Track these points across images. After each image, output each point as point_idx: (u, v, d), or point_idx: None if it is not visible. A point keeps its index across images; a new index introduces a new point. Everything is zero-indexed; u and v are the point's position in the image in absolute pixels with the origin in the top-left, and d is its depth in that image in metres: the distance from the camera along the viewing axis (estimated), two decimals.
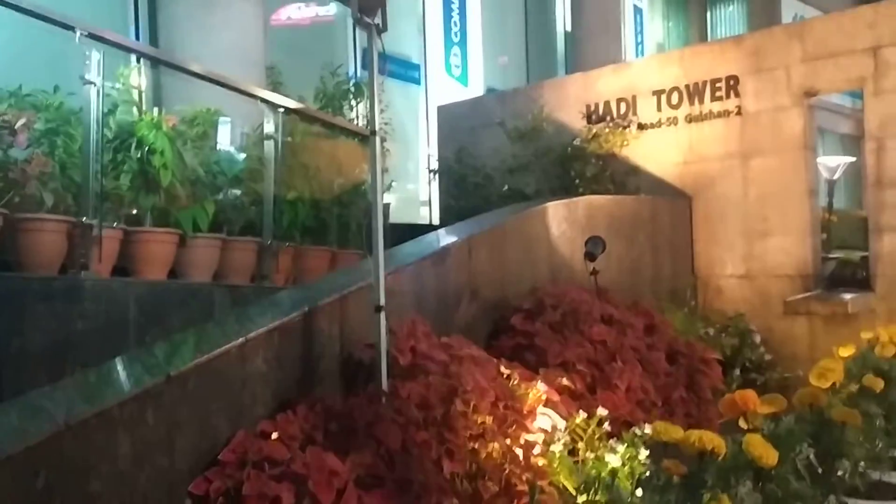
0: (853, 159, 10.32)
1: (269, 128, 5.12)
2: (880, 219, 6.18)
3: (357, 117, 6.70)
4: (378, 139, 3.09)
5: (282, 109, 5.21)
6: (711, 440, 1.40)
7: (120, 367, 2.38)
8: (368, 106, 3.19)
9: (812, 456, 1.73)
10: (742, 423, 1.79)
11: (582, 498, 1.19)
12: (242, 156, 5.56)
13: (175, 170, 4.32)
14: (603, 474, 1.21)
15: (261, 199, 5.04)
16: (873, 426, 2.42)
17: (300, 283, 5.00)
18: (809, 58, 6.55)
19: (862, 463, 2.05)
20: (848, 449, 2.01)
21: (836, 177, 10.48)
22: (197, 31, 6.88)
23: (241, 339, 2.48)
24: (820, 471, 1.89)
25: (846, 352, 2.86)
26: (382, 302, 2.94)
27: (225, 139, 5.55)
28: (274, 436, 2.45)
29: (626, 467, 1.94)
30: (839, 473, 2.01)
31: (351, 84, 6.67)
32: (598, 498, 1.18)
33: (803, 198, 6.59)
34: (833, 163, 10.41)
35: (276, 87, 6.42)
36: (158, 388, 2.13)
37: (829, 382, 2.18)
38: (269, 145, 5.08)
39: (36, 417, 2.00)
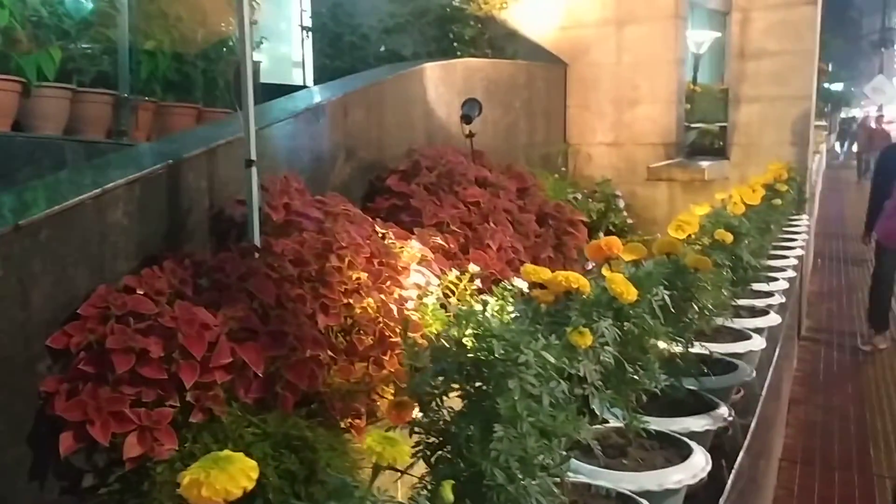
0: (719, 34, 10.65)
1: None
2: (739, 90, 6.47)
3: None
4: None
5: None
6: (577, 279, 1.46)
7: None
8: None
9: (667, 298, 1.84)
10: (605, 272, 1.86)
11: (452, 332, 1.22)
12: None
13: (13, 8, 3.86)
14: (473, 309, 1.24)
15: (115, 48, 4.63)
16: (721, 276, 2.60)
17: None
18: None
19: (709, 307, 2.21)
20: (698, 294, 2.15)
21: (702, 51, 10.82)
22: None
23: (97, 190, 2.32)
24: (672, 312, 2.01)
25: (702, 210, 3.03)
26: (253, 156, 2.83)
27: None
28: (140, 291, 2.36)
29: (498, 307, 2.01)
30: (689, 317, 2.16)
31: None
32: (467, 331, 1.21)
33: (671, 67, 6.78)
34: (700, 37, 10.71)
35: None
36: (7, 238, 1.97)
37: (686, 234, 2.31)
38: None
39: None
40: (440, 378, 1.21)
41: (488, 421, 1.17)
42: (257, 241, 2.83)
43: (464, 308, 1.34)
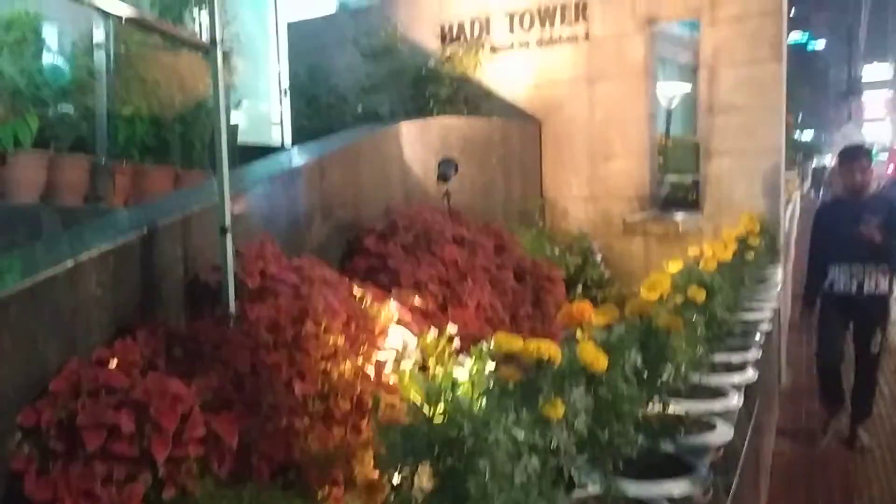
0: (689, 87, 10.92)
1: (99, 36, 4.70)
2: (710, 143, 6.61)
3: (201, 29, 6.28)
4: (219, 50, 2.91)
5: (113, 15, 4.79)
6: (548, 349, 1.47)
7: None
8: (209, 11, 2.97)
9: (640, 361, 1.85)
10: (578, 334, 1.87)
11: (426, 409, 1.22)
12: (70, 66, 5.09)
13: None
14: (444, 385, 1.24)
15: (93, 114, 4.66)
16: (695, 333, 2.62)
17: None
18: None
19: (683, 367, 2.22)
20: (672, 354, 2.16)
21: (673, 105, 11.08)
22: None
23: (70, 263, 2.31)
24: (646, 375, 2.02)
25: (675, 266, 3.07)
26: (228, 223, 2.84)
27: (51, 47, 5.05)
28: (112, 363, 2.33)
29: (471, 379, 2.00)
30: (663, 378, 2.16)
31: None
32: (440, 408, 1.21)
33: (643, 123, 6.92)
34: (671, 91, 10.98)
35: None
36: None
37: (658, 294, 2.33)
38: (100, 55, 4.67)
39: None
40: (411, 457, 1.20)
41: (460, 500, 1.16)
42: (232, 307, 2.81)
43: (437, 380, 1.34)
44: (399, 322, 3.41)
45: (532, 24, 7.36)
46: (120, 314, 2.56)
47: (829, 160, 31.33)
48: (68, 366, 2.22)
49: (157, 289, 2.80)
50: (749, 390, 2.97)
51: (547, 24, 7.27)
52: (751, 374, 2.97)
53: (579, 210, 7.21)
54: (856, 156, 5.37)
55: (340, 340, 2.91)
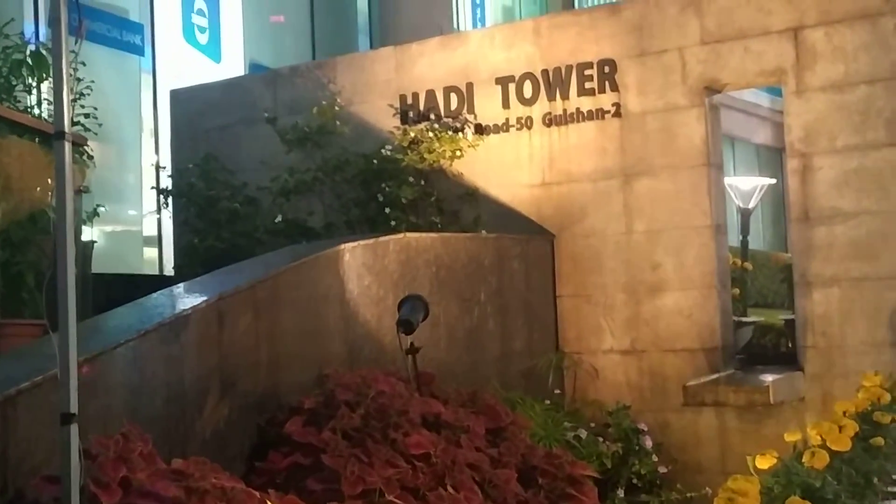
0: (773, 181, 11.22)
1: None
2: (808, 267, 6.73)
3: (40, 104, 6.42)
4: (68, 145, 2.97)
5: None
6: None
7: None
8: (55, 89, 3.05)
9: None
10: None
11: None
12: None
13: None
14: None
15: None
16: None
17: None
18: (711, 38, 7.09)
19: None
20: None
21: (751, 205, 11.33)
22: None
23: None
24: None
25: (765, 462, 3.06)
26: (74, 408, 2.80)
27: None
28: None
29: None
30: None
31: (27, 52, 6.39)
32: None
33: (707, 236, 7.06)
34: (747, 185, 11.24)
35: None
36: None
37: None
38: None
39: None
40: None
41: None
42: None
43: None
44: None
45: (536, 93, 7.63)
46: None
47: None
48: None
49: None
50: None
51: (558, 93, 7.53)
52: None
53: (616, 370, 7.23)
54: None
55: None
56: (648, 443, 6.74)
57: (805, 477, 2.92)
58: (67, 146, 2.97)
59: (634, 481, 6.38)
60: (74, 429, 2.81)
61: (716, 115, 7.21)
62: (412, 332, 5.11)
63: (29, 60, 6.31)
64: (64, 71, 3.02)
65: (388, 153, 7.79)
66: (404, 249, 6.04)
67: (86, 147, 6.03)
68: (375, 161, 7.78)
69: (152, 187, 9.69)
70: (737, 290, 7.62)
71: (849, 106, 6.57)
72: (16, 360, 3.69)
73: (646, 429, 6.82)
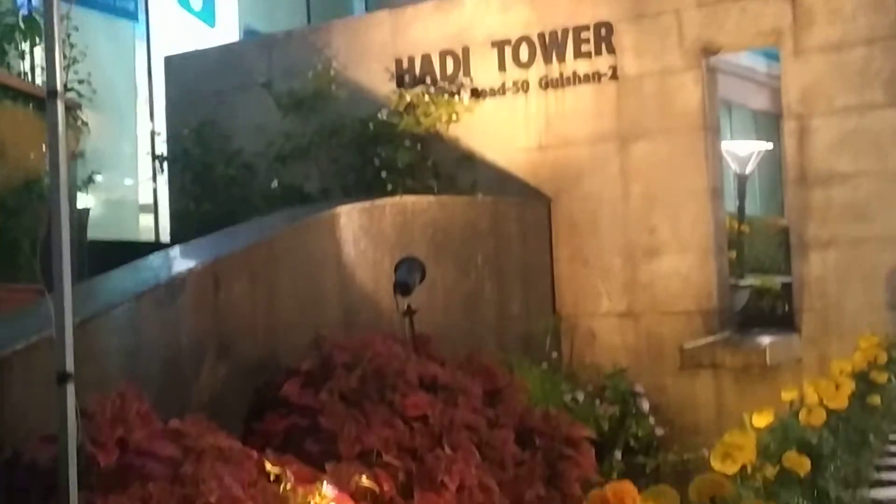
0: (770, 145, 11.19)
1: None
2: (805, 230, 6.75)
3: (32, 69, 6.40)
4: (61, 104, 2.95)
5: None
6: None
7: None
8: (46, 46, 3.03)
9: None
10: None
11: None
12: None
13: None
14: None
15: None
16: None
17: None
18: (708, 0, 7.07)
19: None
20: None
21: (748, 170, 11.32)
22: None
23: None
24: None
25: (762, 420, 3.07)
26: (70, 368, 2.81)
27: None
28: None
29: None
30: None
31: (20, 17, 6.36)
32: None
33: (704, 199, 7.07)
34: (744, 150, 11.23)
35: None
36: None
37: (738, 465, 2.32)
38: None
39: None
40: None
41: None
42: (75, 501, 2.75)
43: None
44: None
45: (533, 57, 7.61)
46: None
47: None
48: None
49: None
50: None
51: (554, 56, 7.52)
52: None
53: (613, 333, 7.25)
54: None
55: None
56: (645, 405, 6.77)
57: (801, 433, 2.92)
58: (60, 105, 2.95)
59: (631, 443, 6.42)
60: (71, 388, 2.81)
61: (713, 78, 7.20)
62: (409, 294, 5.12)
63: (21, 25, 6.29)
64: (55, 26, 3.01)
65: (384, 118, 7.77)
66: (401, 213, 6.03)
67: (79, 112, 6.02)
68: (371, 125, 7.78)
69: (147, 153, 9.69)
70: (734, 253, 7.62)
71: (846, 66, 6.56)
72: (11, 322, 3.69)
73: (642, 391, 6.85)
